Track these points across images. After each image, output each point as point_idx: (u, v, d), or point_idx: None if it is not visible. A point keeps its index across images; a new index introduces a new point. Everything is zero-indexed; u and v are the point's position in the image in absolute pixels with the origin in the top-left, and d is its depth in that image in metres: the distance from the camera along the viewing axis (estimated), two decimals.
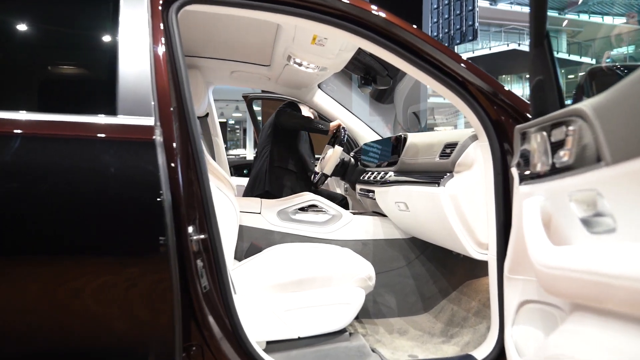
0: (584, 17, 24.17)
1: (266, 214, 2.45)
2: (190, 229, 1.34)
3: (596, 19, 24.55)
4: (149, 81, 1.32)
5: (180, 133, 1.40)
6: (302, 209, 2.52)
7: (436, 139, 2.01)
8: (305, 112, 3.27)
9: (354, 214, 2.55)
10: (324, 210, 2.51)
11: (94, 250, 1.24)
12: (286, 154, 3.09)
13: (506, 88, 1.66)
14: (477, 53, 23.58)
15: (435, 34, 16.43)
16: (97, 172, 1.25)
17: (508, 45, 23.14)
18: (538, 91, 1.29)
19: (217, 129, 3.45)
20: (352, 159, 2.96)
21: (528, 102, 1.61)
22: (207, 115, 3.33)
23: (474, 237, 1.75)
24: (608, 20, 24.95)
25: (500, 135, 1.62)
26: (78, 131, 1.28)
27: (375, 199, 2.48)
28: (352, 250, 2.15)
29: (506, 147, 1.60)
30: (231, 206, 2.17)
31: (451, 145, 1.82)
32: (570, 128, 0.97)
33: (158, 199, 1.26)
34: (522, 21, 22.90)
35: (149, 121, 1.31)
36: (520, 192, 1.24)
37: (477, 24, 15.59)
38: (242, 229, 2.40)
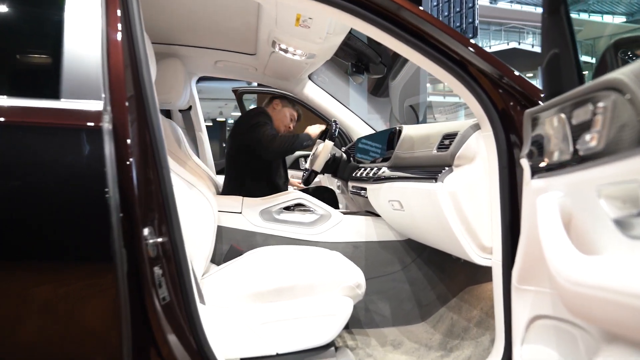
0: (584, 15, 23.99)
1: (248, 213, 2.25)
2: (145, 232, 1.15)
3: (596, 17, 24.41)
4: (99, 62, 1.14)
5: (138, 123, 1.21)
6: (288, 208, 2.32)
7: (433, 130, 1.81)
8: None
9: (344, 213, 2.35)
10: (311, 209, 2.31)
11: (22, 256, 1.05)
12: (258, 184, 2.64)
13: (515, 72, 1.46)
14: None
15: None
16: (29, 164, 1.07)
17: (508, 44, 23.12)
18: (552, 67, 1.09)
19: (201, 123, 3.24)
20: (344, 155, 2.76)
21: (540, 88, 1.42)
22: (190, 108, 3.13)
23: (476, 240, 1.54)
24: (608, 19, 24.79)
25: (506, 123, 1.42)
26: (10, 116, 1.10)
27: (367, 197, 2.27)
28: (341, 254, 1.95)
29: (513, 138, 1.40)
30: (207, 205, 1.97)
31: (450, 136, 1.61)
32: (600, 105, 0.77)
33: (102, 197, 1.07)
34: (522, 20, 22.76)
35: (97, 106, 1.13)
36: (533, 187, 1.04)
37: (477, 22, 15.39)
38: (222, 230, 2.19)
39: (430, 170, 1.67)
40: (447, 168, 1.58)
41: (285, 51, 2.37)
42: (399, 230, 2.24)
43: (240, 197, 2.29)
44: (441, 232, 1.67)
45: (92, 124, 1.12)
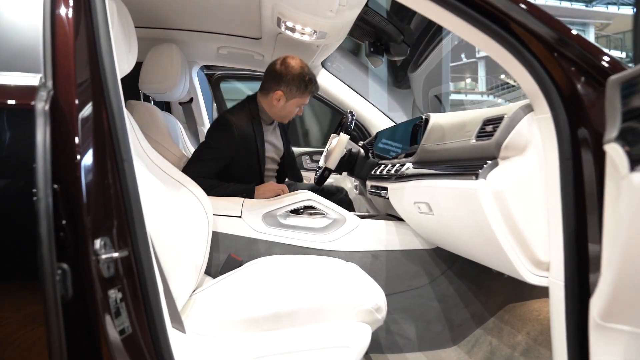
0: (612, 8, 23.13)
1: (248, 217, 1.94)
2: (97, 244, 0.86)
3: (626, 10, 23.51)
4: (40, 29, 0.91)
5: (93, 106, 0.94)
6: (295, 212, 2.00)
7: (470, 116, 1.47)
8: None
9: (361, 217, 2.02)
10: (323, 212, 1.99)
11: None
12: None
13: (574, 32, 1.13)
14: None
15: None
16: None
17: None
18: None
19: (204, 116, 2.96)
20: (362, 150, 2.43)
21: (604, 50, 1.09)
22: (191, 100, 2.84)
23: (528, 253, 1.21)
24: None
25: (568, 101, 1.09)
26: None
27: (388, 198, 1.94)
28: (357, 266, 1.63)
29: (579, 119, 1.07)
30: (200, 207, 1.67)
31: (494, 121, 1.27)
32: None
33: (26, 199, 0.79)
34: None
35: (31, 80, 0.86)
36: (635, 185, 0.71)
37: None
38: (218, 237, 1.89)
39: (467, 164, 1.34)
40: (490, 161, 1.24)
41: (293, 30, 2.06)
42: (426, 237, 1.90)
43: (241, 199, 1.99)
44: (481, 241, 1.34)
45: (19, 102, 0.85)
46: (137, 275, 0.94)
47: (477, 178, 1.23)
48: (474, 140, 1.33)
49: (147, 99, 2.46)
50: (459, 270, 1.92)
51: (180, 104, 2.85)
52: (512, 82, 26.42)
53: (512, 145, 1.20)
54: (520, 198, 1.19)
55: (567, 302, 1.08)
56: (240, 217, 1.94)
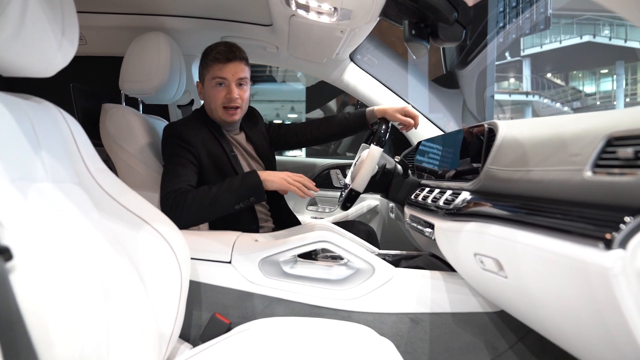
0: None
1: (241, 263, 1.43)
2: None
3: None
4: None
5: None
6: (306, 256, 1.49)
7: (571, 127, 0.91)
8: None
9: (394, 262, 1.49)
10: (342, 259, 1.47)
11: None
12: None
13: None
14: (546, 47, 22.60)
15: (500, 24, 15.11)
16: None
17: (581, 38, 21.89)
18: None
19: None
20: (399, 166, 1.90)
21: None
22: (191, 102, 2.38)
23: None
24: None
25: None
26: None
27: (434, 240, 1.40)
28: (392, 344, 1.11)
29: None
30: (168, 251, 1.19)
31: (632, 140, 0.72)
32: None
33: None
34: (597, 11, 20.95)
35: None
36: None
37: (550, 11, 14.02)
38: (200, 289, 1.40)
39: (579, 213, 0.79)
40: (631, 217, 0.69)
41: (307, 9, 1.54)
42: (489, 299, 1.35)
43: (232, 236, 1.48)
44: (602, 341, 0.79)
45: None
46: None
47: (608, 247, 0.67)
48: (589, 173, 0.78)
49: (132, 102, 2.00)
50: (534, 344, 1.35)
51: (179, 107, 2.39)
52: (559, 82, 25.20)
53: None
54: None
55: None
56: (229, 262, 1.43)
